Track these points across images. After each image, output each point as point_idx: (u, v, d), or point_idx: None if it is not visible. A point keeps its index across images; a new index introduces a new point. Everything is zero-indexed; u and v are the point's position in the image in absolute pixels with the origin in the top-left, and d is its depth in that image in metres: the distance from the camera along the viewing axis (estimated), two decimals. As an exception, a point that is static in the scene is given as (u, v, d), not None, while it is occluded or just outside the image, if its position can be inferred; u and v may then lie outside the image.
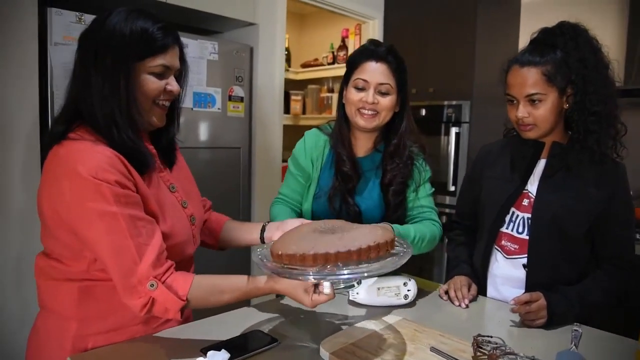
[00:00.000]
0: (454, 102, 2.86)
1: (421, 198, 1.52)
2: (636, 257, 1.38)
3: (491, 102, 2.97)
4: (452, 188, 2.90)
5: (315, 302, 0.99)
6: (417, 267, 1.14)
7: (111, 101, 0.99)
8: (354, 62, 1.45)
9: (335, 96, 4.04)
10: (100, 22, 1.01)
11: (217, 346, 0.98)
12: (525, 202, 1.42)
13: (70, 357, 0.98)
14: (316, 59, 4.21)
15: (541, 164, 1.42)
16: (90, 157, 0.95)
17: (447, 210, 2.90)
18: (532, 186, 1.42)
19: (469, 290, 1.42)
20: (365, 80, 1.40)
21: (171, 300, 0.97)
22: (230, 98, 2.42)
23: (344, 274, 0.87)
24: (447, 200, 2.91)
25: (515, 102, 1.35)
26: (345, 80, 1.49)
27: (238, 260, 2.39)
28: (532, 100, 1.31)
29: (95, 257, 0.99)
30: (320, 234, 0.99)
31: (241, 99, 2.46)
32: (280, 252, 0.92)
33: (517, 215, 1.43)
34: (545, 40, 1.33)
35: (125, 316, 1.05)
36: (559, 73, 1.28)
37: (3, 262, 1.74)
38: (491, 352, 0.98)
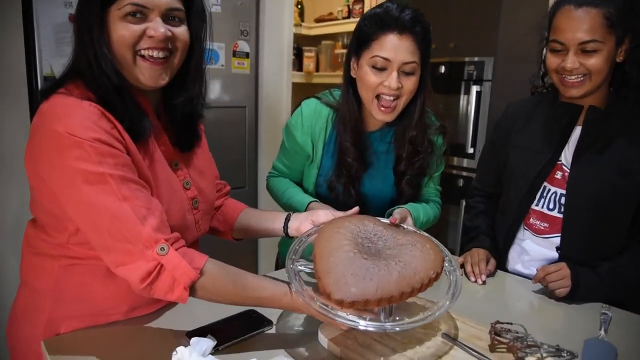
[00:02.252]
0: (476, 59, 2.65)
1: (432, 181, 1.38)
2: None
3: (517, 60, 2.77)
4: (471, 150, 2.73)
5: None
6: (432, 233, 1.04)
7: (89, 56, 0.86)
8: (371, 33, 1.15)
9: (349, 52, 3.83)
10: None
11: (204, 330, 0.89)
12: (559, 174, 1.27)
13: (44, 342, 0.90)
14: (330, 13, 3.98)
15: (577, 131, 1.25)
16: (71, 113, 0.82)
17: (464, 174, 2.76)
18: (567, 157, 1.26)
19: (486, 265, 1.30)
20: (386, 59, 1.13)
21: (183, 268, 0.81)
22: (234, 54, 2.26)
23: (405, 324, 0.82)
24: (465, 162, 2.76)
25: (562, 50, 1.16)
26: (356, 50, 1.19)
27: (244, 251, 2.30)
28: (585, 50, 1.13)
29: (77, 228, 0.88)
30: (372, 260, 0.86)
31: (246, 55, 2.30)
32: (342, 299, 0.80)
33: (549, 190, 1.28)
34: None
35: (105, 301, 0.95)
36: (622, 18, 1.10)
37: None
38: (511, 343, 0.86)
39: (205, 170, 1.10)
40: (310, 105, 1.31)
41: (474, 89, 2.65)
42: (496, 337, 0.90)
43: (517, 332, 0.90)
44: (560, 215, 1.26)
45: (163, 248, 0.81)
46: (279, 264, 1.53)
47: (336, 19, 3.91)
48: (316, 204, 1.24)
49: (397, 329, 0.82)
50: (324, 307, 0.81)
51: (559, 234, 1.26)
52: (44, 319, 0.94)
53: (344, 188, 1.28)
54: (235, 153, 2.36)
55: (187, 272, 0.82)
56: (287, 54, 2.52)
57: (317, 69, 4.00)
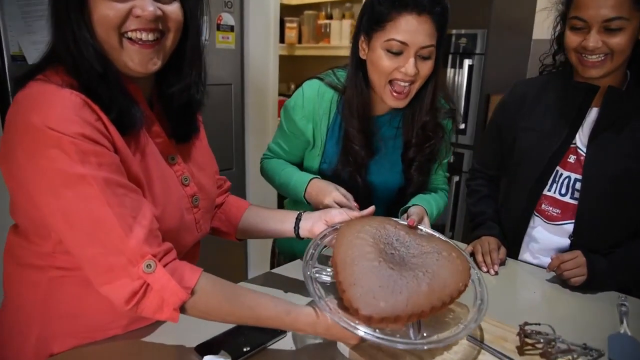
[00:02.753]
0: (467, 31, 2.56)
1: (441, 168, 1.31)
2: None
3: (511, 31, 2.71)
4: (463, 126, 2.68)
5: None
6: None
7: (68, 38, 0.74)
8: (385, 12, 1.03)
9: (335, 23, 3.70)
10: None
11: (214, 343, 0.82)
12: (572, 158, 1.21)
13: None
14: (313, -20, 3.82)
15: (592, 113, 1.19)
16: (49, 103, 0.70)
17: (456, 150, 2.71)
18: (581, 141, 1.20)
19: (498, 254, 1.25)
20: (404, 43, 1.03)
21: (172, 288, 0.73)
22: (218, 27, 2.11)
23: (439, 342, 0.77)
24: (457, 139, 2.71)
25: (584, 28, 1.09)
26: (367, 30, 1.08)
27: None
28: (609, 28, 1.05)
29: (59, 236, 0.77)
30: (398, 269, 0.80)
31: (231, 28, 2.16)
32: (371, 315, 0.73)
33: (562, 175, 1.23)
34: None
35: (101, 315, 0.85)
36: None
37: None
38: (545, 349, 0.82)
39: (205, 164, 1.00)
40: (312, 86, 1.21)
41: (466, 62, 2.57)
42: (526, 339, 0.85)
43: (547, 334, 0.86)
44: (573, 201, 1.21)
45: (150, 265, 0.72)
46: (277, 261, 1.44)
47: (319, -13, 3.75)
48: (318, 181, 1.15)
49: (433, 346, 0.77)
50: (351, 323, 0.75)
51: (572, 221, 1.22)
52: (33, 339, 0.84)
53: (349, 177, 1.20)
54: (221, 133, 2.24)
55: (177, 292, 0.73)
56: (273, 26, 2.39)
57: (300, 41, 3.85)
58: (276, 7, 2.37)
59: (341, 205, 1.04)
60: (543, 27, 2.84)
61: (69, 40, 0.74)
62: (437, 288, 0.78)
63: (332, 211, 1.01)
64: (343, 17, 3.72)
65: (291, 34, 3.75)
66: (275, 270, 1.22)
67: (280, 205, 2.49)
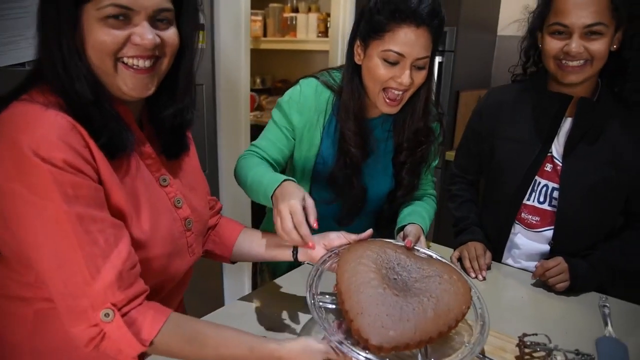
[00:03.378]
0: (438, 28, 2.60)
1: (430, 172, 1.32)
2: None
3: (478, 28, 2.76)
4: (432, 122, 2.72)
5: None
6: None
7: (56, 62, 0.70)
8: (384, 23, 1.03)
9: (301, 17, 3.65)
10: None
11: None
12: (548, 167, 1.25)
13: None
14: (277, -27, 3.75)
15: (567, 123, 1.23)
16: (36, 125, 0.67)
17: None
18: (557, 150, 1.24)
19: (484, 259, 1.28)
20: (400, 55, 1.03)
21: (128, 341, 0.71)
22: (188, 26, 2.04)
23: None
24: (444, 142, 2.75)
25: (565, 33, 1.11)
26: (364, 37, 1.08)
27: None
28: (591, 32, 1.08)
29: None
30: (403, 296, 0.81)
31: (202, 27, 2.08)
32: (382, 345, 0.74)
33: (539, 183, 1.26)
34: None
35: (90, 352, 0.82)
36: (625, 3, 1.07)
37: None
38: (545, 358, 0.85)
39: (197, 185, 0.97)
40: (310, 85, 1.20)
41: (436, 59, 2.60)
42: (525, 350, 0.88)
43: (545, 344, 0.89)
44: (551, 209, 1.26)
45: (108, 314, 0.70)
46: (261, 271, 1.43)
47: (284, -21, 3.69)
48: (291, 184, 1.02)
49: None
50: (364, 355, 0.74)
51: (550, 227, 1.26)
52: None
53: (345, 178, 1.20)
54: (193, 135, 2.18)
55: (132, 345, 0.72)
56: (244, 20, 2.32)
57: (265, 34, 3.79)
58: (247, 1, 2.31)
59: (305, 211, 0.94)
60: (508, 23, 2.91)
61: (58, 66, 0.71)
62: (442, 313, 0.80)
63: (330, 235, 1.00)
64: (309, 10, 3.68)
65: (256, 27, 3.68)
66: (278, 281, 1.20)
67: (254, 209, 2.47)
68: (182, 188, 0.92)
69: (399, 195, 1.26)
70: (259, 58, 3.82)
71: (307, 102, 1.19)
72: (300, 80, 1.22)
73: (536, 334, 0.92)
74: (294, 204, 0.91)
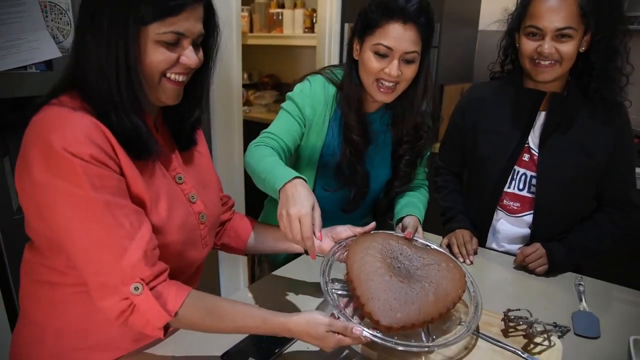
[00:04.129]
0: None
1: (422, 163, 1.42)
2: (637, 195, 1.38)
3: (461, 24, 2.86)
4: (418, 115, 2.82)
5: (339, 342, 0.84)
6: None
7: (108, 74, 0.78)
8: (375, 20, 1.16)
9: (287, 12, 3.70)
10: None
11: (239, 351, 0.88)
12: (526, 157, 1.36)
13: None
14: (262, -31, 3.79)
15: (541, 116, 1.34)
16: (64, 125, 0.76)
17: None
18: (533, 141, 1.35)
19: (472, 245, 1.39)
20: (389, 48, 1.14)
21: (156, 312, 0.79)
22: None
23: (449, 342, 0.88)
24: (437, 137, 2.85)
25: (538, 35, 1.22)
26: (360, 34, 1.21)
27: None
28: (561, 35, 1.19)
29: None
30: (407, 282, 0.92)
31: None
32: (391, 325, 0.84)
33: (518, 172, 1.38)
34: None
35: (110, 332, 0.90)
36: (592, 9, 1.17)
37: None
38: (527, 331, 0.95)
39: (210, 183, 1.06)
40: (319, 81, 1.31)
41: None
42: (510, 323, 0.98)
43: (527, 318, 0.99)
44: (530, 195, 1.37)
45: (137, 287, 0.78)
46: (260, 262, 1.53)
47: (269, -25, 3.73)
48: (302, 185, 1.00)
49: (443, 347, 0.90)
50: (374, 334, 0.84)
51: (530, 212, 1.37)
52: (46, 354, 0.89)
53: (349, 165, 1.30)
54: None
55: (160, 315, 0.80)
56: (235, 15, 2.37)
57: (251, 30, 3.84)
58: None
59: (313, 221, 0.96)
60: (488, 19, 3.00)
61: (112, 79, 0.79)
62: (442, 297, 0.91)
63: (337, 228, 1.10)
64: (295, 6, 3.73)
65: (242, 23, 3.72)
66: (279, 272, 1.29)
67: (247, 203, 2.53)
68: (196, 186, 1.00)
69: (396, 185, 1.36)
70: (246, 53, 3.81)
71: (316, 96, 1.29)
72: (308, 77, 1.32)
73: (519, 309, 1.02)
74: (305, 215, 0.93)
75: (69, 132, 0.75)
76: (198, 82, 0.92)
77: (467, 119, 1.47)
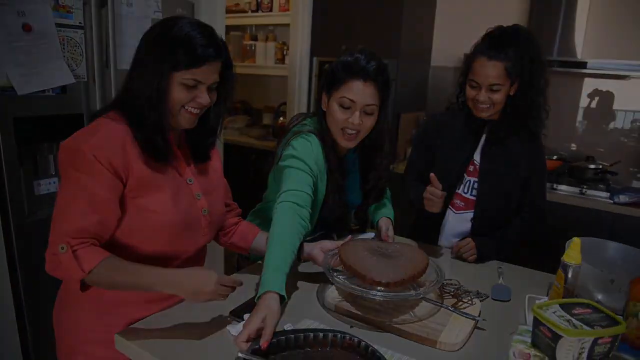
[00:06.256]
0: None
1: None
2: (546, 204, 1.79)
3: (415, 60, 3.24)
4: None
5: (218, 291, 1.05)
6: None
7: (143, 101, 1.07)
8: (340, 78, 1.37)
9: (260, 44, 4.04)
10: (165, 21, 1.10)
11: (246, 307, 1.15)
12: (471, 168, 1.74)
13: (118, 334, 1.09)
14: (237, 4, 4.14)
15: (483, 138, 1.73)
16: (98, 133, 1.05)
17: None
18: (477, 156, 1.74)
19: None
20: (352, 100, 1.36)
21: (73, 269, 0.99)
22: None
23: (426, 291, 1.23)
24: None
25: (477, 86, 1.60)
26: (327, 89, 1.42)
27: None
28: (493, 88, 1.57)
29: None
30: (390, 259, 1.29)
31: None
32: (389, 282, 1.17)
33: (466, 178, 1.75)
34: (503, 38, 1.56)
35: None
36: (515, 68, 1.55)
37: None
38: (455, 291, 1.29)
39: (216, 190, 1.32)
40: (314, 141, 1.45)
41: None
42: (443, 289, 1.32)
43: (456, 285, 1.33)
44: (472, 197, 1.74)
45: (63, 247, 1.00)
46: (243, 264, 1.68)
47: (244, 10, 4.08)
48: (274, 299, 1.09)
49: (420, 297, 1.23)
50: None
51: (471, 210, 1.74)
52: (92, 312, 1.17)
53: (333, 199, 1.51)
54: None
55: (76, 272, 1.00)
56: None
57: (227, 59, 4.14)
58: (222, 26, 2.66)
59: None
60: (439, 55, 3.38)
61: (145, 109, 1.08)
62: (415, 264, 1.27)
63: (323, 242, 1.40)
64: (267, 39, 4.09)
65: (219, 53, 4.03)
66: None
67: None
68: (203, 189, 1.26)
69: (369, 203, 1.67)
70: (221, 80, 4.17)
71: (316, 157, 1.44)
72: (306, 136, 1.45)
73: (450, 280, 1.36)
74: (268, 324, 1.02)
75: (98, 139, 1.04)
76: (214, 114, 1.22)
77: (429, 137, 1.83)
